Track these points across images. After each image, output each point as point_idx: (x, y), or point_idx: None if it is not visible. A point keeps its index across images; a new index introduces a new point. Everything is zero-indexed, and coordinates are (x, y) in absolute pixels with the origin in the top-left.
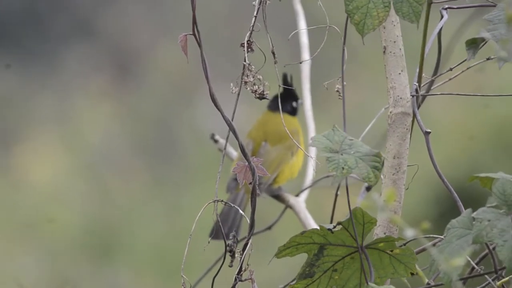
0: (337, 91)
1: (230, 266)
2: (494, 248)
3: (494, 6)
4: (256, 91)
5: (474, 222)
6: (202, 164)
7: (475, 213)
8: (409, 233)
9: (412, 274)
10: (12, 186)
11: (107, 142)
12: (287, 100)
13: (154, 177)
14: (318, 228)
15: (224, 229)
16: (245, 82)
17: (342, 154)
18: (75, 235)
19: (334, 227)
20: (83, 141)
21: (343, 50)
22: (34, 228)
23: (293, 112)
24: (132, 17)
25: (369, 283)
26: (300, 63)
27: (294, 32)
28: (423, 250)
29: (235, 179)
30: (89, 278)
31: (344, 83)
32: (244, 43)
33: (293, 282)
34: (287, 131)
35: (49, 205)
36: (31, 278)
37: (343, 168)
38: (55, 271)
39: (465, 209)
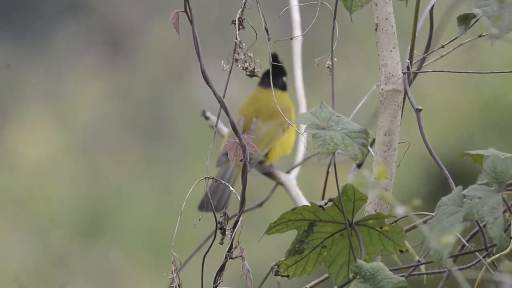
0: (328, 67)
1: (221, 243)
2: (484, 226)
3: None
4: (247, 68)
5: (464, 200)
6: (194, 142)
7: (465, 190)
8: (400, 210)
9: (401, 251)
10: (2, 164)
11: (99, 120)
12: (278, 76)
13: (146, 156)
14: (309, 204)
15: (213, 201)
16: (236, 60)
17: (328, 131)
18: (66, 213)
19: (326, 203)
20: (74, 120)
21: (333, 27)
22: (25, 206)
23: (283, 87)
24: None
25: (357, 260)
26: (291, 39)
27: (285, 8)
28: (414, 227)
29: (226, 154)
30: (80, 256)
31: (335, 59)
32: (235, 20)
33: (283, 259)
34: (278, 108)
35: (40, 184)
36: (21, 256)
37: (329, 144)
38: (45, 250)
39: (455, 186)
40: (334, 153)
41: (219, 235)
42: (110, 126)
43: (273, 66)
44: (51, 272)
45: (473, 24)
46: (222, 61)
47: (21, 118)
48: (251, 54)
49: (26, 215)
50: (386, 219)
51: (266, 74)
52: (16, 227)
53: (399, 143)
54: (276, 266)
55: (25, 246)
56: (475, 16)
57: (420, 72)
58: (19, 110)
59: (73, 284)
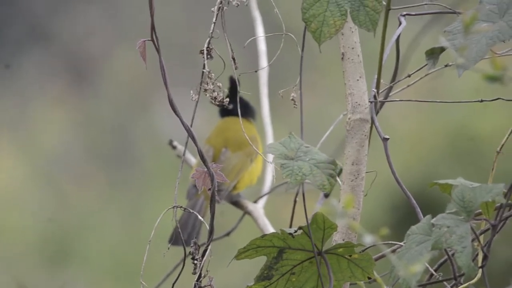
0: (292, 99)
1: (194, 273)
2: (453, 255)
3: (452, 13)
4: (215, 98)
5: (433, 229)
6: (159, 170)
7: (434, 219)
8: (368, 239)
9: (369, 278)
10: None
11: (63, 148)
12: (243, 106)
13: (110, 184)
14: (279, 232)
15: (183, 235)
16: (205, 90)
17: (297, 161)
18: (31, 241)
19: (295, 231)
20: (38, 147)
21: (301, 57)
22: None
23: (249, 117)
24: (87, 23)
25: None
26: (256, 71)
27: (250, 39)
28: (383, 256)
29: (195, 186)
30: (46, 284)
31: (302, 90)
32: (203, 50)
33: (251, 284)
34: (247, 139)
35: (5, 211)
36: None
37: (297, 174)
38: (11, 278)
39: (422, 215)
40: (302, 183)
41: (188, 264)
42: (75, 154)
43: (235, 94)
44: None
45: (440, 54)
46: (191, 91)
47: None
48: (220, 84)
49: None
50: (355, 248)
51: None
52: None
53: (366, 172)
54: None
55: None
56: (443, 50)
57: (387, 101)
58: None
59: None
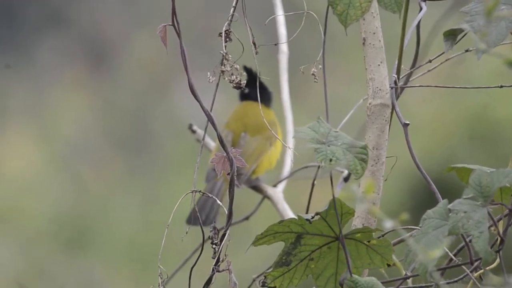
0: (313, 74)
1: (213, 257)
2: (470, 240)
3: None
4: (233, 80)
5: (450, 214)
6: (178, 155)
7: (451, 204)
8: (388, 224)
9: (388, 265)
10: None
11: (82, 133)
12: (262, 90)
13: (129, 169)
14: (296, 217)
15: (201, 215)
16: (222, 72)
17: (329, 146)
18: (50, 227)
19: (313, 217)
20: (57, 133)
21: (324, 35)
22: (8, 220)
23: (267, 102)
24: (106, 7)
25: (350, 274)
26: (275, 44)
27: (270, 17)
28: (401, 241)
29: (214, 169)
30: (64, 270)
31: (324, 69)
32: (222, 33)
33: (269, 270)
34: (266, 122)
35: (23, 197)
36: (5, 270)
37: (331, 159)
38: (29, 263)
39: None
40: (318, 168)
41: (206, 248)
42: (93, 139)
43: (254, 79)
44: (35, 286)
45: (460, 39)
46: (208, 73)
47: (3, 132)
48: (238, 66)
49: (9, 229)
50: (373, 233)
51: (250, 88)
52: (0, 241)
53: (386, 157)
54: (263, 277)
55: (9, 260)
56: (462, 31)
57: (408, 86)
58: (1, 124)
59: None
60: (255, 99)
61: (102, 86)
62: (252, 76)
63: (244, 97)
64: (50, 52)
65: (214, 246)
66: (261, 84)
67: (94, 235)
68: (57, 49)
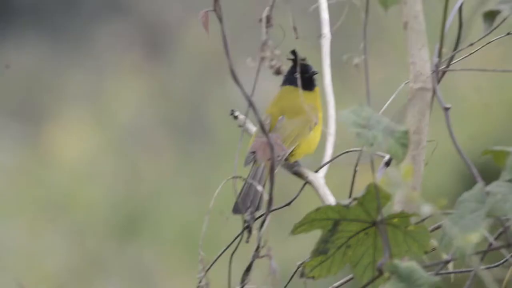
0: (355, 65)
1: (247, 242)
2: (509, 225)
3: None
4: (273, 66)
5: (488, 197)
6: (230, 141)
7: (488, 186)
8: (426, 209)
9: (425, 253)
10: (41, 163)
11: (137, 119)
12: (305, 75)
13: (183, 155)
14: (333, 204)
15: (246, 203)
16: (263, 58)
17: (371, 130)
18: (103, 213)
19: (350, 202)
20: (113, 118)
21: (365, 23)
22: (64, 206)
23: (308, 86)
24: None
25: (390, 259)
26: (318, 37)
27: (314, 6)
28: (440, 227)
29: (253, 152)
30: (115, 256)
31: (366, 57)
32: (262, 18)
33: (308, 259)
34: (304, 105)
35: (78, 183)
36: (59, 255)
37: (372, 143)
38: (83, 250)
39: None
40: (360, 153)
41: (247, 234)
42: (148, 125)
43: (299, 64)
44: (88, 272)
45: (502, 22)
46: (249, 59)
47: (61, 117)
48: (278, 52)
49: (64, 215)
50: (412, 218)
51: (292, 72)
52: (54, 227)
53: (427, 141)
54: (302, 267)
55: (63, 246)
56: (500, 13)
57: (448, 70)
58: (58, 109)
59: (109, 283)
60: (293, 84)
61: (159, 72)
62: (296, 60)
63: (284, 82)
64: (108, 38)
65: (250, 231)
66: (304, 67)
67: (145, 221)
68: (114, 35)
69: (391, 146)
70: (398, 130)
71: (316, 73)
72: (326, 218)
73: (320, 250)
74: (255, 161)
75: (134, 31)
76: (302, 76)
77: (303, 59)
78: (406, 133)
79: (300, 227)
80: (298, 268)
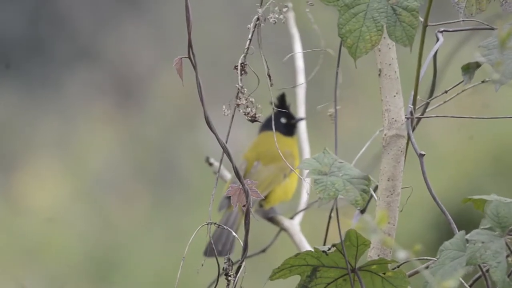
0: (330, 115)
1: None
2: (487, 270)
3: (489, 28)
4: (248, 113)
5: (467, 244)
6: (203, 187)
7: (468, 235)
8: (402, 255)
9: None
10: (12, 211)
11: (109, 166)
12: (280, 119)
13: (155, 202)
14: (312, 250)
15: (218, 246)
16: (238, 105)
17: (330, 176)
18: (76, 260)
19: (329, 249)
20: (84, 166)
21: (337, 73)
22: (34, 253)
23: (288, 132)
24: (134, 41)
25: None
26: (293, 87)
27: (289, 55)
28: (416, 272)
29: (228, 198)
30: None
31: (339, 106)
32: (237, 66)
33: None
34: (279, 151)
35: (51, 231)
36: None
37: (330, 190)
38: None
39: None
40: (336, 199)
41: (221, 281)
42: (120, 173)
43: (279, 110)
44: None
45: (477, 69)
46: (224, 106)
47: (31, 164)
48: (253, 99)
49: (35, 261)
50: (389, 264)
51: (271, 118)
52: (25, 274)
53: (402, 188)
54: None
55: None
56: (479, 65)
57: (423, 117)
58: (29, 157)
59: None
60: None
61: (130, 120)
62: (284, 105)
63: (264, 127)
64: (79, 86)
65: (229, 278)
66: (289, 114)
67: (120, 269)
68: (85, 83)
69: (350, 192)
70: (359, 177)
71: (303, 119)
72: (304, 264)
73: None
74: (229, 206)
75: (105, 79)
76: (288, 122)
77: (288, 106)
78: (367, 179)
79: (279, 272)
80: None
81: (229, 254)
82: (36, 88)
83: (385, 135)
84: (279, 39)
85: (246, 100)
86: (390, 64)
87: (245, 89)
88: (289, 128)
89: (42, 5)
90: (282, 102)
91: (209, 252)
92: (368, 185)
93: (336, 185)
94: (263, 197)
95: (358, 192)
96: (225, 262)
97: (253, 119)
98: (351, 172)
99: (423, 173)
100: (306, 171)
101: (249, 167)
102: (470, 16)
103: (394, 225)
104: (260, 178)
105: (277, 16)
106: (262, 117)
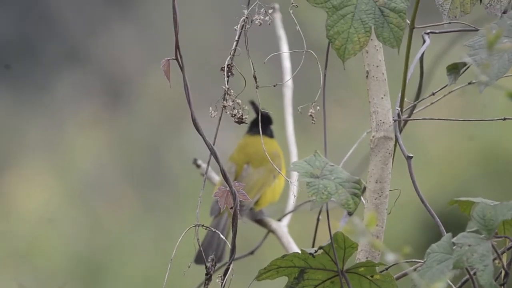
0: (311, 115)
1: None
2: (474, 273)
3: (475, 30)
4: (235, 115)
5: (454, 247)
6: (191, 189)
7: (455, 238)
8: (390, 257)
9: None
10: (1, 214)
11: (98, 168)
12: (265, 124)
13: (144, 204)
14: (299, 252)
15: (209, 253)
16: (224, 107)
17: (322, 180)
18: (65, 262)
19: (316, 251)
20: (73, 168)
21: (324, 74)
22: (24, 256)
23: (271, 135)
24: (122, 43)
25: None
26: (274, 86)
27: (271, 55)
28: (405, 275)
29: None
30: None
31: (328, 108)
32: (224, 67)
33: None
34: (267, 155)
35: (39, 233)
36: None
37: (322, 193)
38: None
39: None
40: (326, 202)
41: (214, 283)
42: (108, 174)
43: (260, 113)
44: None
45: (463, 72)
46: (211, 108)
47: (20, 167)
48: (240, 101)
49: (25, 265)
50: (377, 267)
51: (254, 121)
52: (14, 277)
53: (390, 190)
54: None
55: None
56: (464, 65)
57: (411, 119)
58: (18, 160)
59: None
60: (256, 132)
61: (119, 121)
62: (257, 110)
63: (249, 130)
64: (67, 88)
65: (210, 278)
66: (267, 117)
67: (108, 271)
68: (74, 85)
69: (342, 196)
70: (351, 180)
71: (268, 112)
72: (291, 266)
73: None
74: (220, 212)
75: (94, 81)
76: (265, 125)
77: (263, 108)
78: (359, 183)
79: (265, 273)
80: None
81: (217, 259)
82: (25, 90)
83: (373, 137)
84: (267, 40)
85: (233, 101)
86: (377, 66)
87: (232, 91)
88: (269, 129)
89: (30, 7)
90: (254, 107)
91: (198, 259)
92: (359, 189)
93: (328, 188)
94: (254, 199)
95: (350, 196)
96: (208, 262)
97: (240, 121)
98: (342, 175)
99: (411, 175)
100: (293, 173)
101: (239, 170)
102: (454, 19)
103: (382, 228)
104: (251, 182)
105: (262, 17)
106: (248, 118)
